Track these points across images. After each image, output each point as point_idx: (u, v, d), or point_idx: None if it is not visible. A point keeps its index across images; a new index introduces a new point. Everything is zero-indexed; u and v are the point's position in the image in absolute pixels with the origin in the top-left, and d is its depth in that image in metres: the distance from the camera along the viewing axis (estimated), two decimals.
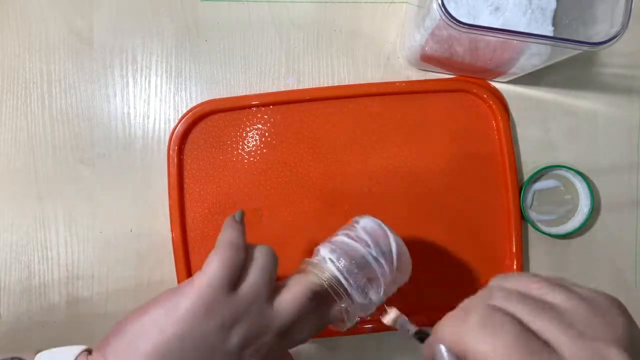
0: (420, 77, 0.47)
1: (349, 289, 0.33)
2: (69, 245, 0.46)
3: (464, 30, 0.32)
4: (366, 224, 0.35)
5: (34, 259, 0.45)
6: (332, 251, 0.33)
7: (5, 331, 0.45)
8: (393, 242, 0.35)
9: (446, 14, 0.32)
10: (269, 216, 0.45)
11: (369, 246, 0.34)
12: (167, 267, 0.45)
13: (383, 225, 0.35)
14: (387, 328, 0.44)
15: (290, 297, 0.32)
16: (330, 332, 0.44)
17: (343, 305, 0.34)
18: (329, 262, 0.33)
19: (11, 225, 0.45)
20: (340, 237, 0.35)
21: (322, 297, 0.33)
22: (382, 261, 0.34)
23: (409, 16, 0.45)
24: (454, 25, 0.32)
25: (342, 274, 0.33)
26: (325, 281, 0.33)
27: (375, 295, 0.34)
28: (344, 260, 0.33)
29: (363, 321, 0.44)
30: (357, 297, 0.33)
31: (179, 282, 0.44)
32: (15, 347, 0.45)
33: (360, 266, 0.33)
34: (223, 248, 0.32)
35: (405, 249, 0.35)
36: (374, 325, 0.45)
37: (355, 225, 0.35)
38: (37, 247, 0.45)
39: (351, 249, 0.33)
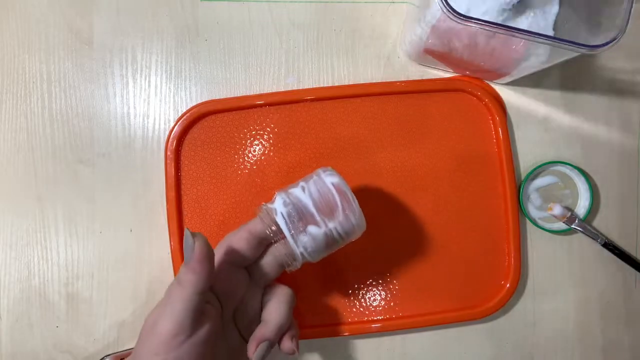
0: (420, 75, 0.47)
1: (290, 240, 0.35)
2: (69, 245, 0.46)
3: (462, 21, 0.32)
4: (324, 183, 0.36)
5: (34, 259, 0.46)
6: (285, 204, 0.36)
7: (5, 331, 0.45)
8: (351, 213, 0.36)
9: (447, 6, 0.32)
10: None
11: (318, 208, 0.36)
12: (167, 267, 0.45)
13: (343, 187, 0.36)
14: (387, 328, 0.45)
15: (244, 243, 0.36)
16: (332, 332, 0.45)
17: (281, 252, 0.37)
18: (279, 215, 0.35)
19: (11, 225, 0.46)
20: (297, 193, 0.37)
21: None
22: (328, 222, 0.36)
23: (409, 11, 0.45)
24: (453, 17, 0.32)
25: (287, 227, 0.35)
26: (269, 232, 0.36)
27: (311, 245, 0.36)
28: (292, 214, 0.35)
29: (371, 321, 0.45)
30: (294, 247, 0.36)
31: None
32: (15, 348, 0.46)
33: (303, 219, 0.35)
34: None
35: (359, 214, 0.36)
36: (380, 325, 0.45)
37: (315, 177, 0.37)
38: (37, 247, 0.45)
39: (302, 205, 0.36)
